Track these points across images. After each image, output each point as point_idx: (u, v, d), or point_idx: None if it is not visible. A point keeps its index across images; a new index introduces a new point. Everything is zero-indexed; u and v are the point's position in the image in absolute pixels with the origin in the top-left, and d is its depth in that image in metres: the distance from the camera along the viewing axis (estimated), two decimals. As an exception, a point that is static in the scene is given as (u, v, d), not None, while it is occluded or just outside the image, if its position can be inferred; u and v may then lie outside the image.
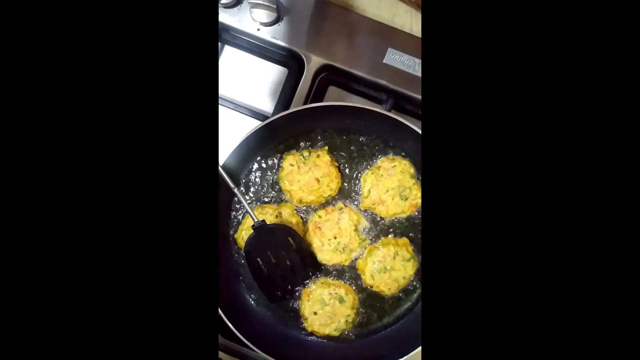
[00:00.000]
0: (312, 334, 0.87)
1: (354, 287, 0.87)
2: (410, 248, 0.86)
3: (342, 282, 0.87)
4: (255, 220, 0.82)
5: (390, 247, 0.85)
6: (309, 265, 0.85)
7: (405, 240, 0.87)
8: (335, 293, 0.85)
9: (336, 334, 0.86)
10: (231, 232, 0.88)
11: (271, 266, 0.83)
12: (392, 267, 0.85)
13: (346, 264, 0.87)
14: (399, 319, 0.88)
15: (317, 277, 0.88)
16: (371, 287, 0.86)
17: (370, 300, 0.88)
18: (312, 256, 0.87)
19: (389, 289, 0.86)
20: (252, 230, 0.81)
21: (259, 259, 0.83)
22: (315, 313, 0.85)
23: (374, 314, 0.88)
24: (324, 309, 0.85)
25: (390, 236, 0.87)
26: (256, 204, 0.88)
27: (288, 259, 0.84)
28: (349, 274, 0.88)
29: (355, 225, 0.86)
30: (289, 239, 0.83)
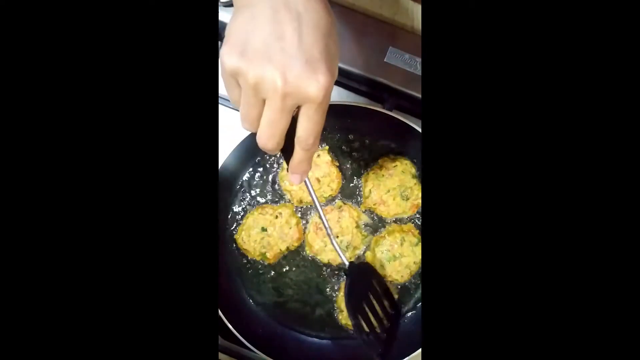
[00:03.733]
0: (316, 329, 0.87)
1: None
2: (417, 232, 0.86)
3: None
4: (346, 261, 0.76)
5: (396, 234, 0.85)
6: (398, 314, 0.80)
7: (410, 225, 0.87)
8: None
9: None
10: (231, 232, 0.88)
11: (367, 318, 0.76)
12: (401, 254, 0.84)
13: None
14: (415, 305, 0.88)
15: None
16: (384, 277, 0.86)
17: None
18: (394, 301, 0.81)
19: (402, 276, 0.85)
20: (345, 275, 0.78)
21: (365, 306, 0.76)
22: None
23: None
24: None
25: (394, 224, 0.87)
26: (256, 204, 0.88)
27: (381, 306, 0.78)
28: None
29: (356, 222, 0.86)
30: (373, 281, 0.79)
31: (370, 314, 0.76)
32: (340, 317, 0.87)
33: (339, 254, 0.76)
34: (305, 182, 0.64)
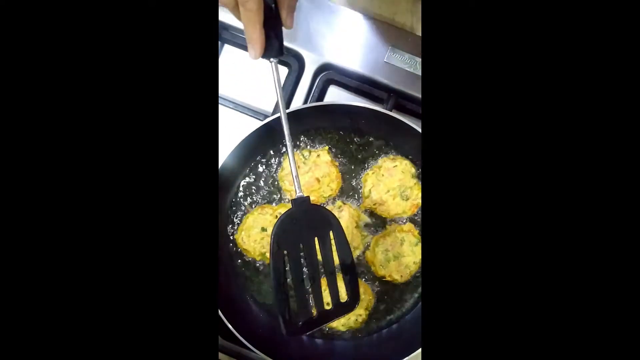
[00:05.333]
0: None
1: (364, 280, 0.87)
2: (416, 232, 0.86)
3: (363, 282, 0.86)
4: (299, 192, 0.64)
5: (396, 234, 0.85)
6: (352, 287, 0.66)
7: (410, 225, 0.87)
8: None
9: (343, 329, 0.86)
10: (231, 233, 0.88)
11: (298, 271, 0.64)
12: (400, 254, 0.84)
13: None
14: (414, 306, 0.88)
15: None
16: (383, 277, 0.86)
17: (385, 290, 0.87)
18: (354, 274, 0.68)
19: (401, 276, 0.85)
20: (290, 206, 0.64)
21: (285, 253, 0.63)
22: (328, 304, 0.84)
23: (390, 304, 0.88)
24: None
25: (394, 224, 0.87)
26: (256, 204, 0.88)
27: (326, 266, 0.64)
28: (360, 267, 0.87)
29: (356, 222, 0.86)
30: (330, 233, 0.65)
31: (306, 278, 0.63)
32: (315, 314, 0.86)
33: (294, 178, 0.64)
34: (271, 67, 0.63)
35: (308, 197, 0.66)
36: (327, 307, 0.67)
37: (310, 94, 0.90)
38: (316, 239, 0.65)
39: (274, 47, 0.61)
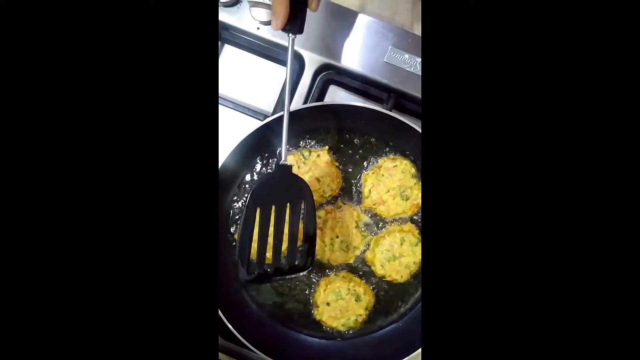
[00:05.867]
0: (316, 329, 0.87)
1: (364, 280, 0.87)
2: (416, 232, 0.86)
3: (363, 282, 0.86)
4: (284, 158, 0.71)
5: (396, 234, 0.85)
6: (308, 254, 0.74)
7: (410, 225, 0.87)
8: (354, 290, 0.84)
9: (342, 329, 0.86)
10: (231, 232, 0.88)
11: (265, 227, 0.70)
12: (400, 254, 0.84)
13: (351, 262, 0.87)
14: (414, 306, 0.88)
15: (334, 271, 0.86)
16: (383, 277, 0.86)
17: (385, 290, 0.88)
18: (313, 244, 0.75)
19: (401, 276, 0.85)
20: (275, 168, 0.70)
21: (259, 208, 0.70)
22: (328, 304, 0.85)
23: (390, 304, 0.88)
24: (338, 302, 0.84)
25: (394, 224, 0.87)
26: (256, 204, 0.88)
27: (291, 229, 0.71)
28: (360, 267, 0.87)
29: (356, 222, 0.86)
30: (302, 203, 0.72)
31: (271, 233, 0.69)
32: (315, 313, 0.87)
33: (283, 142, 0.70)
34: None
35: (291, 166, 0.72)
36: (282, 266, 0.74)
37: (310, 94, 0.90)
38: (288, 205, 0.72)
39: (295, 24, 0.67)
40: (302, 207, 0.72)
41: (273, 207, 0.71)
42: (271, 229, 0.71)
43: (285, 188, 0.72)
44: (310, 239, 0.74)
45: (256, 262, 0.72)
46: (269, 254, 0.72)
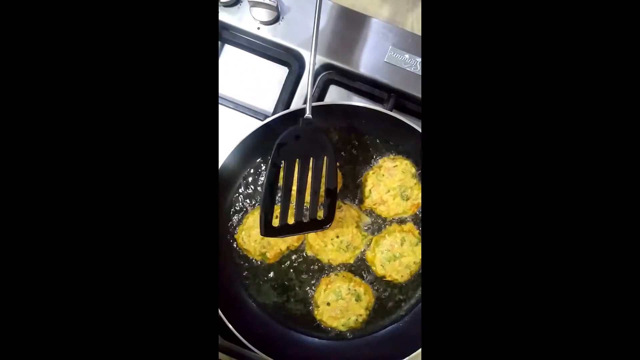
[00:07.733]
0: (316, 329, 0.87)
1: (364, 279, 0.87)
2: (417, 232, 0.86)
3: (363, 282, 0.86)
4: (309, 112, 0.72)
5: (396, 234, 0.85)
6: (330, 209, 0.74)
7: (410, 225, 0.87)
8: (355, 290, 0.84)
9: (343, 329, 0.86)
10: (231, 232, 0.88)
11: (289, 181, 0.72)
12: (401, 254, 0.84)
13: (351, 261, 0.87)
14: (414, 306, 0.88)
15: (334, 271, 0.86)
16: (383, 277, 0.86)
17: (385, 290, 0.87)
18: (335, 199, 0.76)
19: (402, 276, 0.85)
20: (299, 123, 0.72)
21: (283, 162, 0.71)
22: (328, 304, 0.84)
23: (390, 304, 0.87)
24: (338, 302, 0.84)
25: (394, 224, 0.87)
26: (256, 204, 0.88)
27: (313, 184, 0.73)
28: (361, 267, 0.87)
29: (356, 222, 0.86)
30: (324, 157, 0.73)
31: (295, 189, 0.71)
32: (315, 313, 0.87)
33: (308, 94, 0.72)
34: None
35: (315, 120, 0.73)
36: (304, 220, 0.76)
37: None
38: (311, 159, 0.74)
39: None
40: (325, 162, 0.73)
41: (297, 161, 0.72)
42: (295, 183, 0.72)
43: (309, 142, 0.73)
44: (332, 193, 0.75)
45: (279, 215, 0.74)
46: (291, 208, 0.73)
